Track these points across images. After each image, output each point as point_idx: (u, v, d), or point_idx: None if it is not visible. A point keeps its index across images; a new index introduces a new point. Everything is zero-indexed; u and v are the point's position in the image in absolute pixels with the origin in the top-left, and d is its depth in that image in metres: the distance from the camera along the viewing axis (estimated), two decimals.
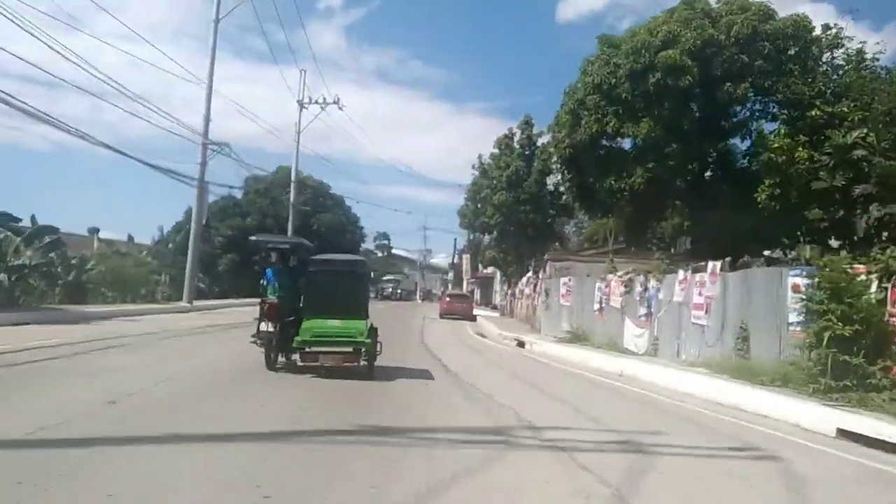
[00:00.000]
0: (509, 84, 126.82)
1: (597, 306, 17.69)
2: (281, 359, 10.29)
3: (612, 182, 20.71)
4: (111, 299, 27.99)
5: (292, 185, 51.63)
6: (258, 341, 10.07)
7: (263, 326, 9.90)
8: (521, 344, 19.17)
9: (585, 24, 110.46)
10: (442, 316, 34.75)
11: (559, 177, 24.62)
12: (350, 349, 9.52)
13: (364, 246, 79.67)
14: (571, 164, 23.20)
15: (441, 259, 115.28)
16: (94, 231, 42.44)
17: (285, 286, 10.24)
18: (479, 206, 35.11)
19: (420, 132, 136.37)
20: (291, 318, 9.95)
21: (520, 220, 32.63)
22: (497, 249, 34.33)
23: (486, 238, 38.95)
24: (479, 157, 35.62)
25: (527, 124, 34.34)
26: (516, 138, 34.40)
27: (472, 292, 51.35)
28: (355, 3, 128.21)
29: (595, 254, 24.91)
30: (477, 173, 35.57)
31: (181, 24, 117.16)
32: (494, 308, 46.44)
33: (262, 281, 10.60)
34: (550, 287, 21.39)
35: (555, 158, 23.89)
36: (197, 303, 32.94)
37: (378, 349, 10.08)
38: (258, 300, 10.72)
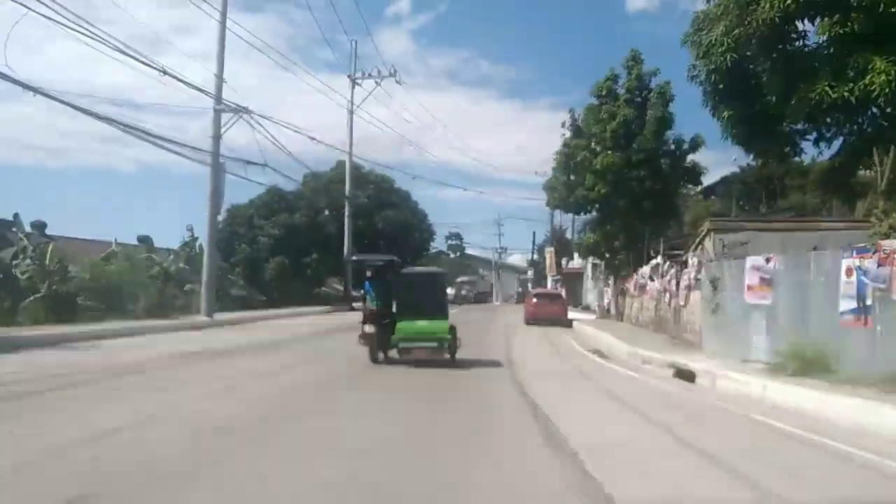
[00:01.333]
0: (579, 77, 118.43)
1: (851, 305, 9.14)
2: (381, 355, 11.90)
3: (827, 88, 11.98)
4: (104, 315, 21.79)
5: (347, 172, 44.90)
6: (362, 341, 11.87)
7: (367, 329, 11.73)
8: (683, 375, 10.88)
9: (657, 11, 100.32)
10: (528, 322, 26.71)
11: (708, 107, 15.82)
12: (436, 344, 11.37)
13: (433, 245, 72.39)
14: (735, 81, 14.57)
15: (516, 259, 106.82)
16: (145, 239, 37.70)
17: (381, 295, 12.13)
18: (571, 176, 26.60)
19: (489, 131, 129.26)
20: (387, 321, 11.72)
21: (632, 189, 23.99)
22: (601, 232, 25.71)
23: (579, 221, 30.24)
24: (571, 112, 27.10)
25: (634, 61, 25.63)
26: (621, 81, 25.74)
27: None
28: (421, 8, 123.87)
29: (794, 217, 16.01)
30: (568, 133, 27.01)
31: (252, 41, 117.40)
32: (587, 309, 37.79)
33: (362, 292, 13.31)
34: (720, 275, 12.84)
35: (702, 77, 15.19)
36: (224, 315, 26.43)
37: (458, 343, 11.75)
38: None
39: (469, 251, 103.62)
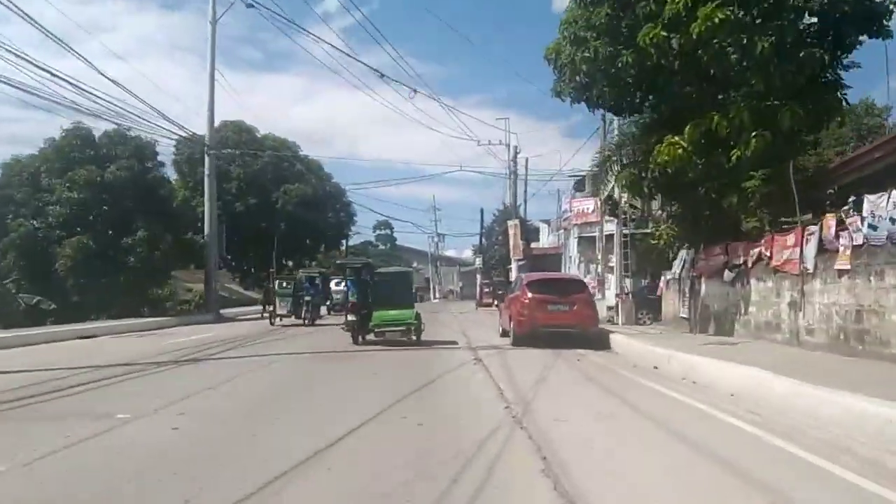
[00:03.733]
0: (507, 75, 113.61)
1: None
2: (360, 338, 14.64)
3: None
4: None
5: (207, 111, 29.57)
6: (345, 328, 14.82)
7: (350, 317, 14.63)
8: None
9: None
10: (518, 341, 12.94)
11: None
12: (404, 328, 14.10)
13: (355, 234, 57.50)
14: None
15: (454, 254, 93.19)
16: None
17: (360, 291, 15.07)
18: (596, 33, 12.27)
19: (417, 129, 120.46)
20: (365, 312, 14.48)
21: (779, 30, 10.31)
22: (692, 132, 11.32)
23: (617, 126, 15.32)
24: None
25: None
26: None
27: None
28: (350, 7, 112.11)
29: None
30: None
31: (176, 38, 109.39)
32: None
33: (344, 288, 19.34)
34: None
35: None
36: None
37: (422, 327, 14.52)
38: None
39: (401, 243, 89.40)
